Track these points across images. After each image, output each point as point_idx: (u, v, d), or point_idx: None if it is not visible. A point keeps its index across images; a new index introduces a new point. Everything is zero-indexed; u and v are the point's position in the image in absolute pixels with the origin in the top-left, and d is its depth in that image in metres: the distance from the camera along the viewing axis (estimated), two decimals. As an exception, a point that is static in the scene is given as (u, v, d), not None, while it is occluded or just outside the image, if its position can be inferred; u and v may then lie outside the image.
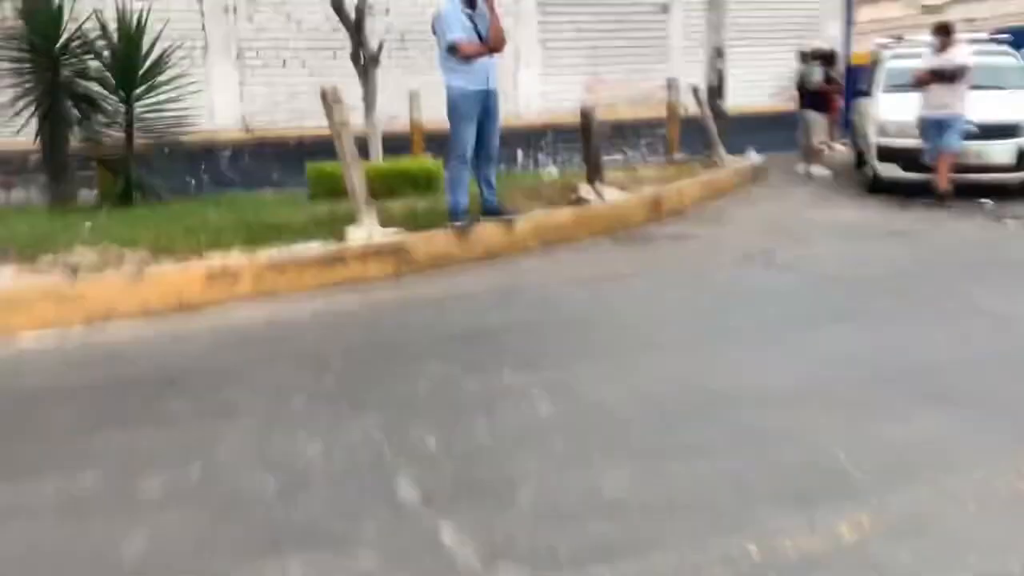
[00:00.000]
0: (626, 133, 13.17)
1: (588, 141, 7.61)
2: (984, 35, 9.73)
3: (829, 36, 13.94)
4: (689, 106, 11.05)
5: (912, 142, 8.56)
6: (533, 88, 12.48)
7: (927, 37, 11.65)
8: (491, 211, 6.40)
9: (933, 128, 8.22)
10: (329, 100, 5.76)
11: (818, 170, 10.73)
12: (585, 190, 7.31)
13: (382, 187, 7.15)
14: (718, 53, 11.12)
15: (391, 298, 5.26)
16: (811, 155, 10.94)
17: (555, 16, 12.48)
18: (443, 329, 4.60)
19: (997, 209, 7.99)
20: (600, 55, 12.82)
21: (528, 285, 5.52)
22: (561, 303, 5.06)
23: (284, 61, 11.05)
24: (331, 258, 5.49)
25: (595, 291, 5.31)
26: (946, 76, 8.14)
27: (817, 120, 10.90)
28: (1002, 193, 8.60)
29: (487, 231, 6.32)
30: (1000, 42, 9.62)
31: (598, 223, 7.19)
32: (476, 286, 5.51)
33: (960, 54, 8.30)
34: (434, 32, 6.03)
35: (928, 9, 24.76)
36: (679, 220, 8.01)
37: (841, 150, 13.37)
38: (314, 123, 8.21)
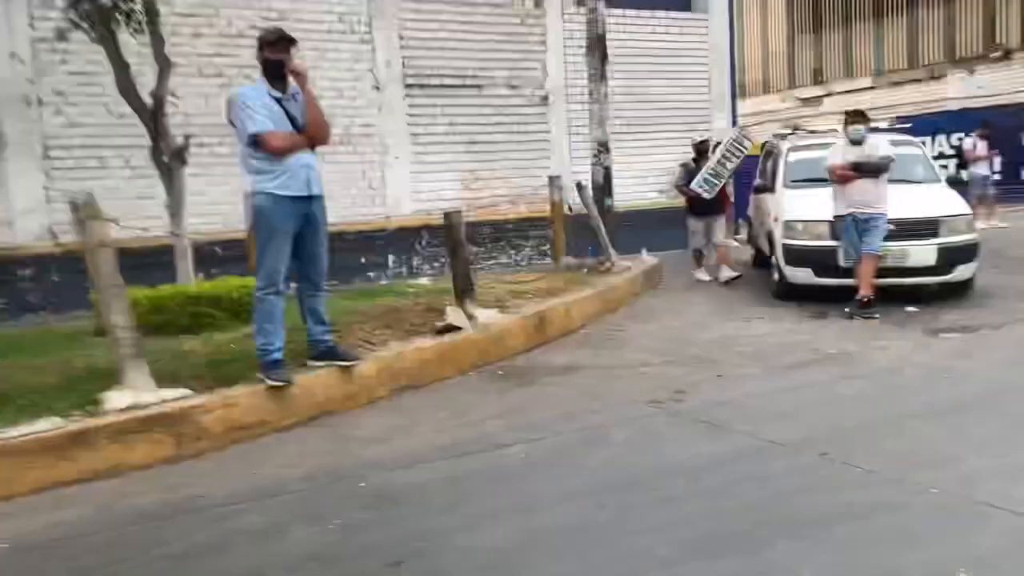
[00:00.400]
0: (510, 235, 11.95)
1: (455, 254, 6.22)
2: (884, 125, 9.01)
3: (718, 129, 13.27)
4: (575, 204, 9.93)
5: (826, 243, 7.58)
6: (404, 186, 11.14)
7: (826, 126, 11.09)
8: (323, 354, 4.86)
9: (853, 228, 7.25)
10: (82, 214, 4.15)
11: (700, 275, 9.89)
12: (454, 315, 5.86)
13: (185, 319, 5.51)
14: (603, 147, 10.08)
15: (151, 502, 3.58)
16: (697, 260, 9.96)
17: (425, 106, 11.28)
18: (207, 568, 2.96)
19: (927, 318, 6.99)
20: (478, 149, 11.65)
21: (359, 468, 3.92)
22: (400, 510, 3.48)
23: (101, 159, 9.33)
24: (68, 441, 3.79)
25: (452, 479, 3.76)
26: (869, 170, 7.23)
27: (702, 224, 9.89)
28: (922, 296, 7.68)
29: (317, 382, 4.76)
30: (902, 131, 8.92)
31: (469, 355, 5.74)
32: (285, 474, 3.89)
33: (881, 145, 7.44)
34: (231, 123, 4.55)
35: (806, 102, 25.26)
36: (568, 344, 6.65)
37: (735, 245, 12.54)
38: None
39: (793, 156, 8.94)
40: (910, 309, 7.35)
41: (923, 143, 8.92)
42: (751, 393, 4.97)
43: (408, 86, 11.15)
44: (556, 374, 5.67)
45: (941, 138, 20.71)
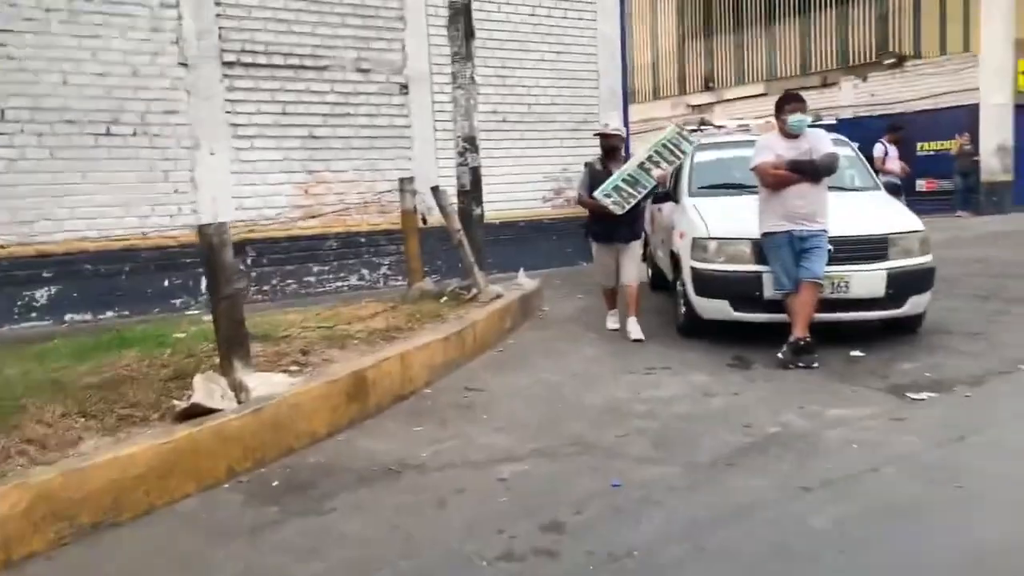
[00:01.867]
0: (363, 250, 9.81)
1: (216, 289, 4.08)
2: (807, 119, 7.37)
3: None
4: (432, 213, 7.93)
5: (748, 268, 5.83)
6: (221, 190, 8.85)
7: (736, 122, 9.44)
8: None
9: (788, 248, 5.53)
10: None
11: (611, 322, 7.04)
12: (202, 389, 3.71)
13: None
14: (470, 144, 8.11)
15: None
16: (610, 298, 8.00)
17: (250, 90, 9.03)
18: None
19: (880, 368, 5.31)
20: (320, 145, 9.47)
21: None
22: None
23: None
24: None
25: None
26: (812, 172, 5.52)
27: (610, 252, 7.97)
28: (863, 335, 6.03)
29: None
30: (829, 128, 7.31)
31: (225, 455, 3.62)
32: None
33: (824, 139, 5.73)
34: None
35: (697, 109, 24.11)
36: (400, 416, 4.61)
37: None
38: None
39: (701, 156, 7.19)
40: (856, 354, 5.68)
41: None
42: (671, 533, 3.04)
43: (227, 64, 8.87)
44: (364, 484, 3.61)
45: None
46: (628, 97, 13.05)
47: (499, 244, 9.94)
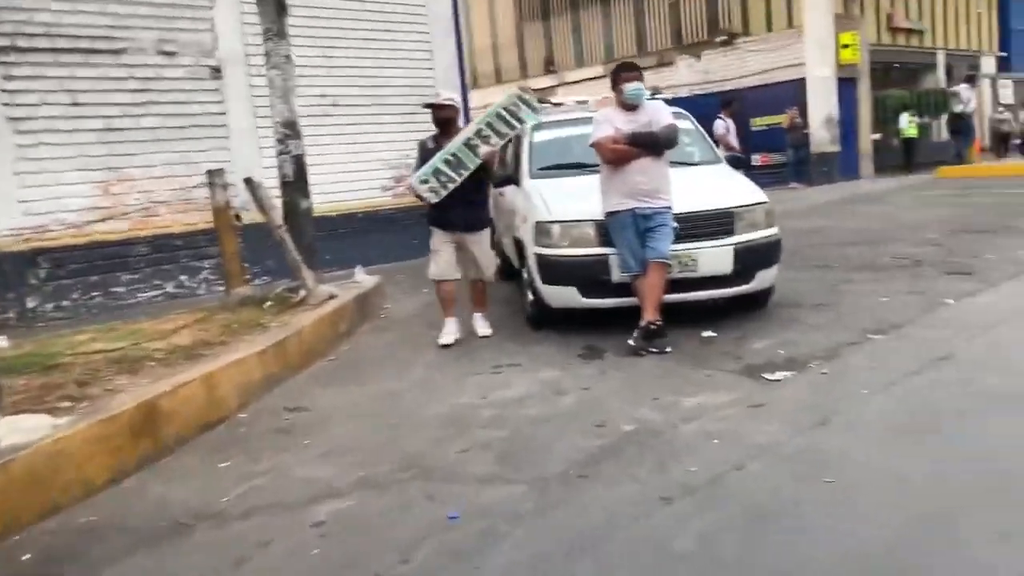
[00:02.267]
0: (179, 253, 8.84)
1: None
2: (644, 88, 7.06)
3: (446, 111, 10.98)
4: (247, 208, 7.15)
5: (595, 251, 5.45)
6: (3, 193, 7.68)
7: (575, 98, 9.12)
8: None
9: (632, 227, 5.18)
10: None
11: (446, 336, 5.90)
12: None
13: None
14: (291, 130, 7.36)
15: None
16: (446, 302, 7.47)
17: (31, 79, 7.89)
18: None
19: (733, 347, 5.06)
20: (120, 139, 8.43)
21: None
22: None
23: None
24: None
25: None
26: (653, 144, 5.18)
27: (449, 241, 7.45)
28: (714, 314, 5.80)
29: None
30: (667, 103, 7.05)
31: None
32: None
33: (663, 111, 5.39)
34: None
35: (539, 92, 23.91)
36: (202, 450, 3.92)
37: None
38: None
39: (540, 135, 6.77)
40: (708, 335, 5.42)
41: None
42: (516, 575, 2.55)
43: (1, 49, 7.69)
44: (145, 546, 2.92)
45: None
46: (467, 78, 12.54)
47: (335, 239, 9.23)
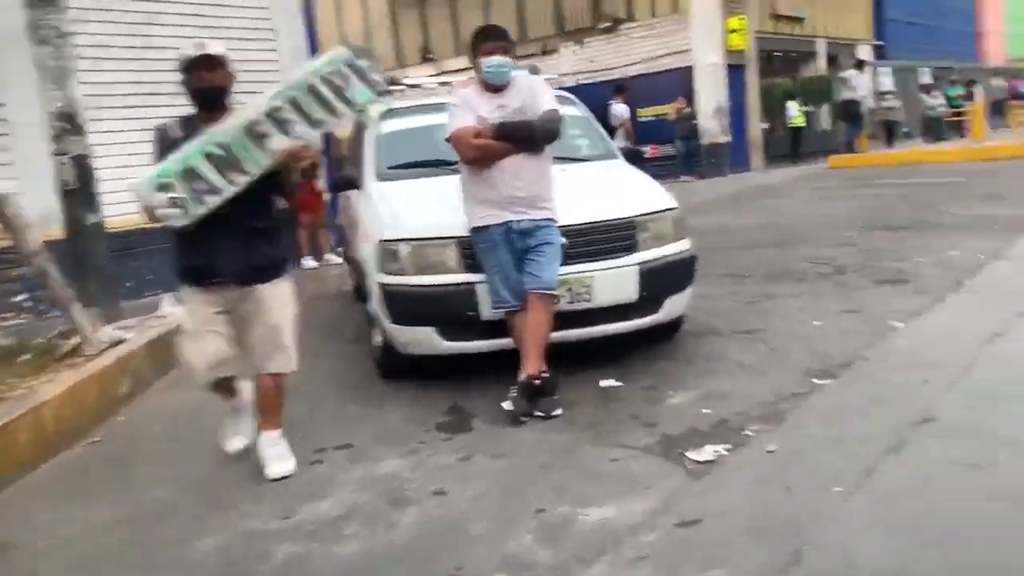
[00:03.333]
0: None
1: None
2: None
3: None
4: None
5: (458, 279, 4.06)
6: None
7: (437, 80, 7.70)
8: None
9: (506, 247, 3.83)
10: None
11: (232, 441, 3.72)
12: None
13: None
14: (69, 124, 5.67)
15: None
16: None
17: None
18: None
19: (643, 407, 3.77)
20: None
21: None
22: None
23: None
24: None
25: None
26: (528, 137, 3.81)
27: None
28: (614, 352, 4.51)
29: None
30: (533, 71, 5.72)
31: None
32: None
33: (541, 91, 4.00)
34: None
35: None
36: None
37: (335, 260, 8.95)
38: None
39: (390, 125, 5.31)
40: (608, 384, 4.12)
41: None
42: None
43: None
44: None
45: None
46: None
47: (137, 260, 7.50)
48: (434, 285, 4.08)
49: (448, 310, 4.08)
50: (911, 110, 23.09)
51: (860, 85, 17.20)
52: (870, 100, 19.20)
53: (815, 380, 3.92)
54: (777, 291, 5.97)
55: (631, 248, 4.22)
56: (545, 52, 20.51)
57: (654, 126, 18.33)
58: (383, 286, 4.21)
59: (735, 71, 17.84)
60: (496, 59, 3.83)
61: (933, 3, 32.01)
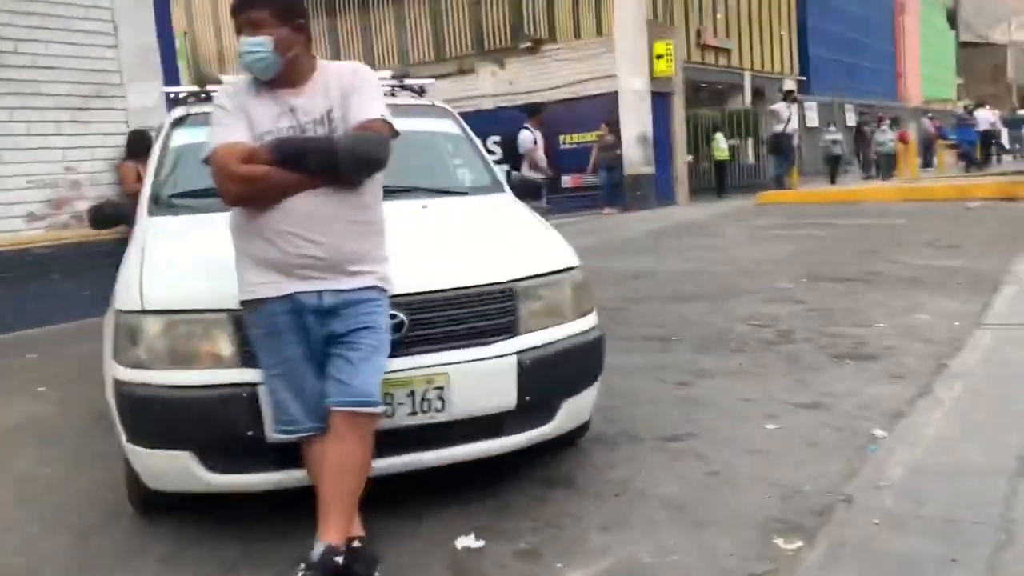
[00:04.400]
0: None
1: None
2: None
3: (139, 109, 7.74)
4: None
5: (230, 376, 2.55)
6: None
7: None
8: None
9: (293, 335, 2.37)
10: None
11: None
12: None
13: None
14: None
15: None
16: None
17: None
18: None
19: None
20: None
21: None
22: None
23: None
24: None
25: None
26: (323, 164, 2.30)
27: None
28: (475, 475, 3.03)
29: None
30: (417, 91, 4.28)
31: None
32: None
33: (357, 88, 2.48)
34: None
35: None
36: None
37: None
38: None
39: (182, 137, 3.75)
40: (468, 545, 2.65)
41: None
42: None
43: None
44: None
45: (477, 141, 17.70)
46: (188, 66, 9.29)
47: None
48: (194, 386, 2.57)
49: (214, 427, 2.57)
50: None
51: (789, 117, 16.36)
52: (796, 135, 18.47)
53: (781, 544, 2.54)
54: (712, 366, 4.63)
55: (509, 329, 2.78)
56: (462, 72, 19.24)
57: (577, 154, 17.19)
58: (118, 384, 2.66)
59: (660, 99, 16.85)
60: (254, 41, 2.36)
61: (854, 42, 32.16)
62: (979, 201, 12.42)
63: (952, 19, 47.19)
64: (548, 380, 2.85)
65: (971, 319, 5.35)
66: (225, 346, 2.58)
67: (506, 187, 3.84)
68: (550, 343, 2.86)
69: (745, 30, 23.47)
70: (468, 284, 2.74)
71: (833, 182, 19.08)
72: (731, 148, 19.35)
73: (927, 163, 23.08)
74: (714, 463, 3.22)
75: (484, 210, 3.51)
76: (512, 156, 10.32)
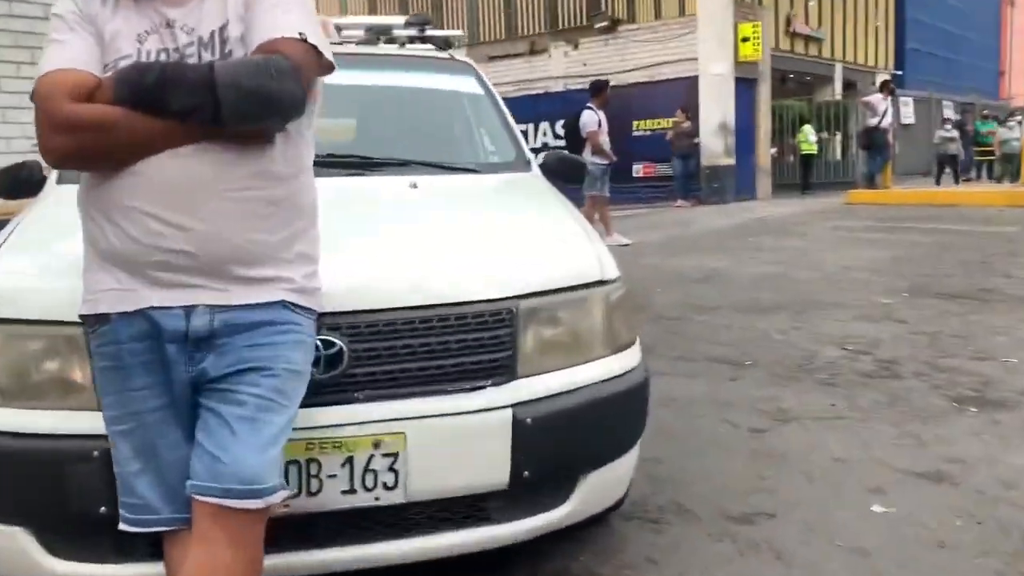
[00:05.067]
0: None
1: None
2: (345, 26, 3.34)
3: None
4: None
5: (82, 424, 1.73)
6: None
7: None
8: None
9: (144, 374, 1.50)
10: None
11: None
12: None
13: None
14: None
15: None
16: None
17: None
18: None
19: None
20: None
21: None
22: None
23: None
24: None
25: None
26: (193, 106, 1.41)
27: None
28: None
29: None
30: (441, 44, 3.40)
31: None
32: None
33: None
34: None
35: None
36: None
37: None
38: None
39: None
40: None
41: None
42: None
43: None
44: None
45: (545, 125, 16.84)
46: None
47: None
48: (30, 434, 1.75)
49: (55, 495, 1.74)
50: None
51: (885, 110, 14.91)
52: (892, 130, 16.94)
53: None
54: (796, 405, 3.65)
55: (504, 369, 1.88)
56: (534, 52, 18.32)
57: (651, 141, 16.10)
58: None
59: (745, 85, 15.59)
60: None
61: (954, 36, 30.06)
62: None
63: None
64: (560, 446, 1.94)
65: None
66: (78, 379, 1.75)
67: (535, 165, 2.91)
68: (566, 391, 1.94)
69: (839, 19, 21.88)
70: (444, 300, 1.85)
71: (938, 183, 17.50)
72: (819, 142, 17.96)
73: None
74: (798, 565, 2.26)
75: (495, 194, 2.60)
76: (575, 140, 9.35)
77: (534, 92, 17.80)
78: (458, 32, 3.64)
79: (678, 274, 7.28)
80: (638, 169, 16.55)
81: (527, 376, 1.91)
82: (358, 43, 3.27)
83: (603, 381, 2.00)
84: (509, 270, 1.96)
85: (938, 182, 17.66)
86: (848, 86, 22.16)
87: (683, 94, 15.48)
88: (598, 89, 9.28)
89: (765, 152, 16.45)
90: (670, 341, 4.87)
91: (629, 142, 16.17)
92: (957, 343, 4.69)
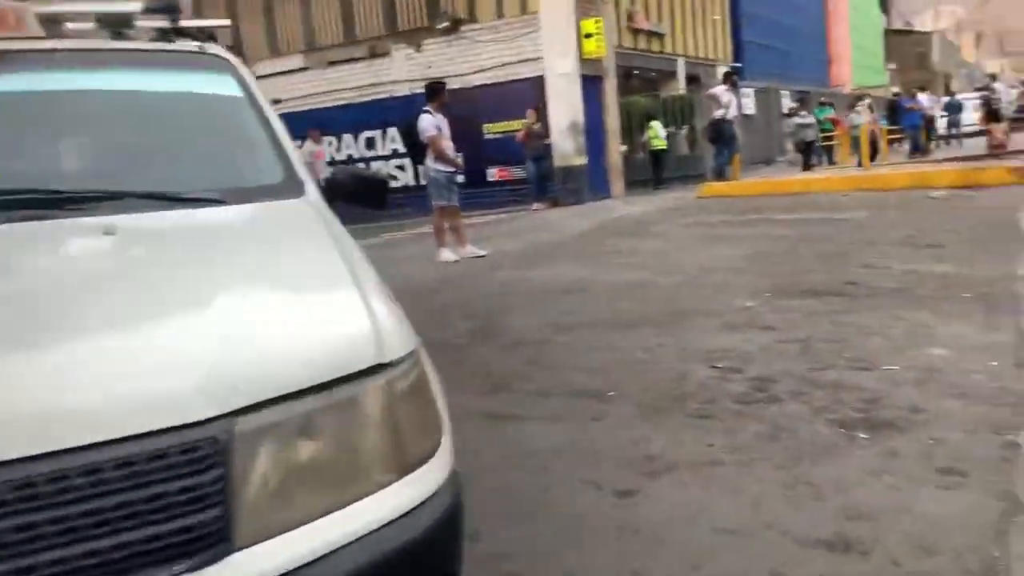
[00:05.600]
0: None
1: None
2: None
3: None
4: None
5: None
6: None
7: None
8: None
9: None
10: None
11: None
12: None
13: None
14: None
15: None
16: None
17: None
18: None
19: None
20: None
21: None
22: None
23: None
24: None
25: None
26: None
27: None
28: None
29: None
30: (202, 37, 2.59)
31: None
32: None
33: None
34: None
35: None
36: None
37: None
38: None
39: None
40: None
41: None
42: None
43: None
44: None
45: (393, 131, 16.07)
46: None
47: None
48: None
49: None
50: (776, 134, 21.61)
51: (730, 102, 15.01)
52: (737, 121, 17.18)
53: None
54: (669, 450, 3.07)
55: (206, 542, 1.14)
56: (375, 55, 17.45)
57: (503, 144, 15.61)
58: None
59: (591, 83, 15.32)
60: None
61: (787, 27, 31.30)
62: (943, 190, 11.20)
63: (884, 5, 47.06)
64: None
65: (1006, 354, 3.92)
66: None
67: (310, 188, 2.16)
68: (319, 559, 1.22)
69: (679, 13, 22.19)
70: (85, 440, 1.09)
71: (807, 169, 17.89)
72: (668, 137, 18.03)
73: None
74: None
75: (234, 238, 1.83)
76: (416, 147, 8.63)
77: (379, 97, 16.99)
78: (223, 22, 2.87)
79: (537, 287, 6.71)
80: (492, 173, 16.06)
81: (252, 544, 1.17)
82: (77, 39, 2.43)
83: (384, 527, 1.29)
84: (220, 369, 1.22)
85: (806, 168, 18.09)
86: (691, 80, 22.50)
87: (531, 94, 15.08)
88: (434, 92, 8.58)
89: (615, 150, 16.27)
90: (527, 373, 4.24)
91: (481, 146, 15.63)
92: (831, 350, 4.28)
